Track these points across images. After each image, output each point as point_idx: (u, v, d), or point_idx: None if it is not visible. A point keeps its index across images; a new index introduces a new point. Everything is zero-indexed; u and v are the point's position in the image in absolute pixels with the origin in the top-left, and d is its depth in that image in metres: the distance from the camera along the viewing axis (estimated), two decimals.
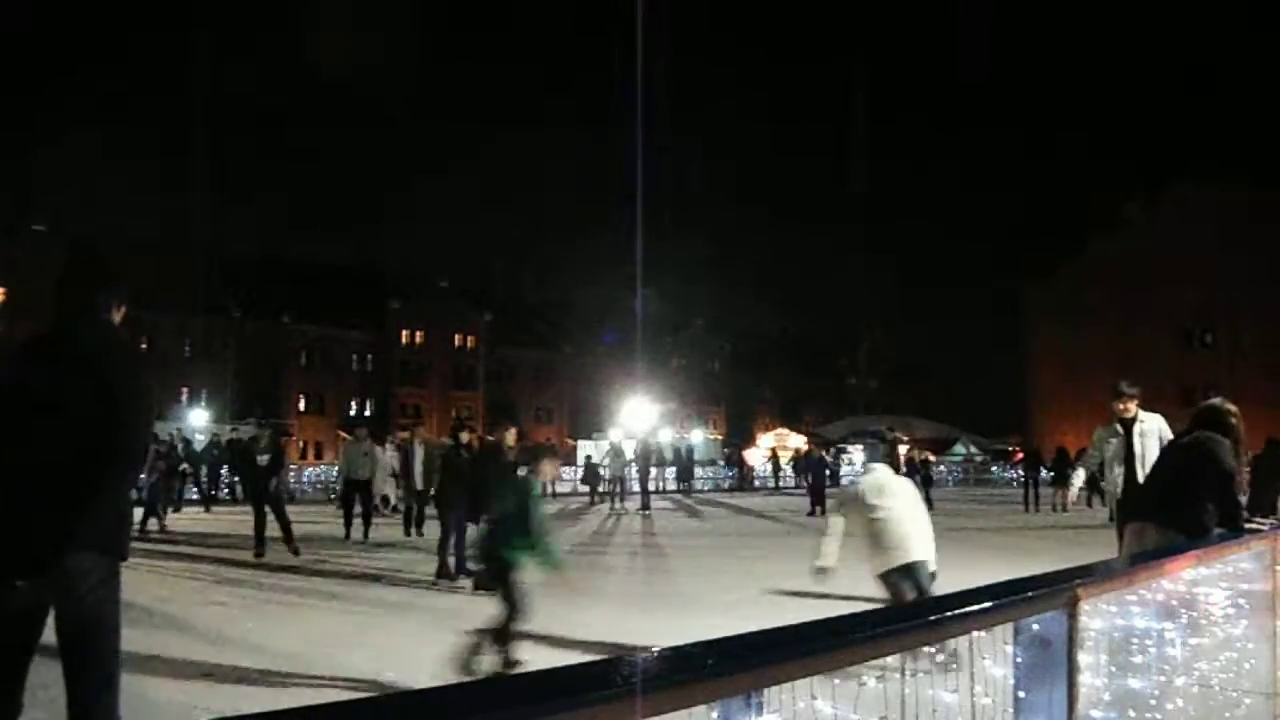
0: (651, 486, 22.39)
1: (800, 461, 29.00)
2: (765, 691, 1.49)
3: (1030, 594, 2.07)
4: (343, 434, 55.65)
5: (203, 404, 52.93)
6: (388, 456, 17.05)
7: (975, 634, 1.98)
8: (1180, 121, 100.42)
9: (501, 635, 5.53)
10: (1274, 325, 45.38)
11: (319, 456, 55.14)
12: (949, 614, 1.79)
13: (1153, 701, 2.79)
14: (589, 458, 30.08)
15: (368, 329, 63.40)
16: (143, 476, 16.78)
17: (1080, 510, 19.23)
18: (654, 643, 1.38)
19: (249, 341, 57.85)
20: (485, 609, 8.00)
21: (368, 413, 60.92)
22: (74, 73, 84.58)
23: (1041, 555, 11.14)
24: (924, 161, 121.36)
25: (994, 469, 39.66)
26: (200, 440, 27.31)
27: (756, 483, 35.83)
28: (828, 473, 25.85)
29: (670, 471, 30.81)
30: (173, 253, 53.52)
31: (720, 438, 64.13)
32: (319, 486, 26.49)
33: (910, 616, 1.73)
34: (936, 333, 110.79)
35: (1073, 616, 2.12)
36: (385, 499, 17.13)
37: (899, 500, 6.23)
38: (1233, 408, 4.85)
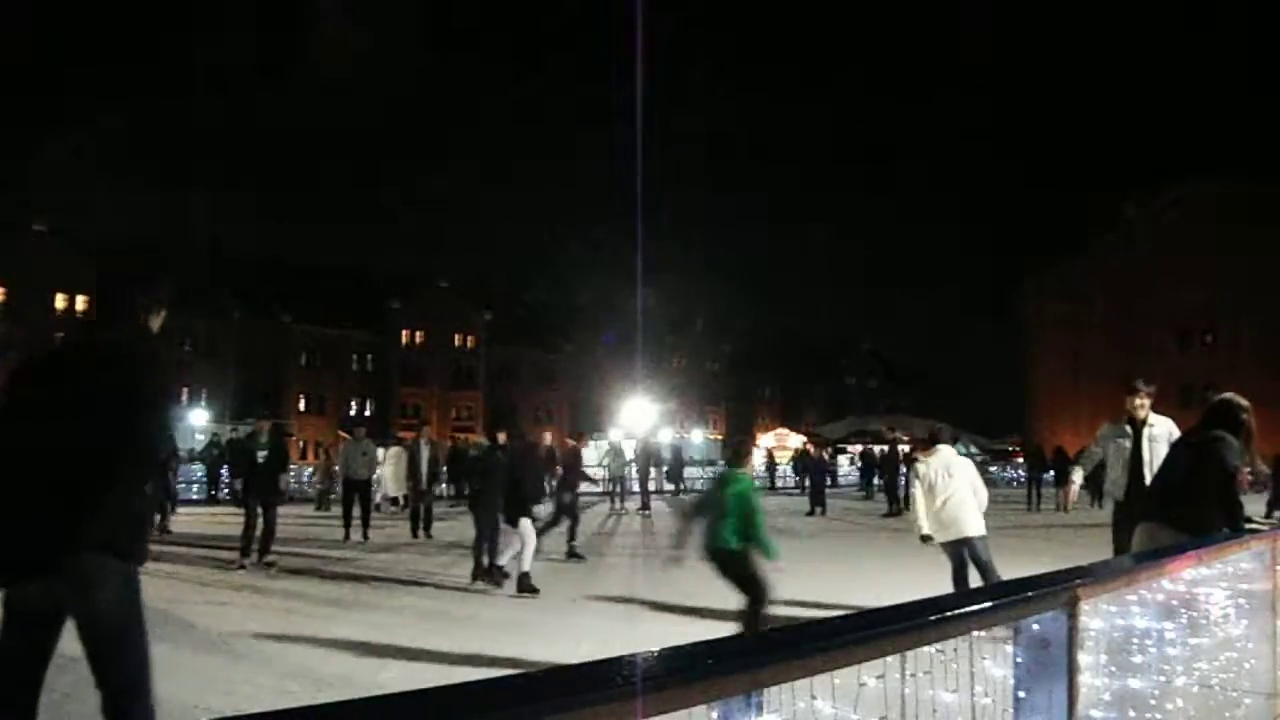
0: (651, 487, 22.38)
1: (801, 462, 28.98)
2: (765, 691, 1.49)
3: (1030, 594, 2.07)
4: (343, 434, 55.70)
5: (203, 404, 52.94)
6: (395, 456, 17.02)
7: (975, 634, 1.98)
8: (1180, 121, 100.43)
9: (753, 620, 5.92)
10: (1274, 325, 45.37)
11: (318, 457, 55.13)
12: (949, 614, 1.79)
13: (1153, 701, 2.79)
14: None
15: (368, 329, 63.40)
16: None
17: (1081, 510, 19.24)
18: (654, 643, 1.38)
19: (249, 341, 57.85)
20: (495, 611, 8.00)
21: (368, 413, 60.95)
22: (74, 72, 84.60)
23: (1041, 555, 11.13)
24: (924, 161, 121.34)
25: (994, 469, 39.63)
26: (200, 440, 27.29)
27: (756, 483, 35.84)
28: (828, 473, 25.87)
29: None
30: (173, 253, 53.52)
31: (720, 438, 64.14)
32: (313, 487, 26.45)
33: (910, 616, 1.73)
34: (936, 333, 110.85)
35: (1073, 616, 2.12)
36: (397, 500, 17.13)
37: (957, 481, 7.33)
38: (1245, 403, 4.82)
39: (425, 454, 14.46)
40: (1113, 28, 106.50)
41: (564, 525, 12.12)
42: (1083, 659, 2.21)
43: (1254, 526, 4.26)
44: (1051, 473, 24.19)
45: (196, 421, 40.26)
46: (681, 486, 30.03)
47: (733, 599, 6.34)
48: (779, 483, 35.45)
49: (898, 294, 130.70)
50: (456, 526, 15.35)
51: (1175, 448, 5.31)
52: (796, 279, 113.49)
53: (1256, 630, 3.63)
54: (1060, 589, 2.13)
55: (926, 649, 1.84)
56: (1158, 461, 6.36)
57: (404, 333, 64.99)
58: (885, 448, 24.97)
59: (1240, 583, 3.57)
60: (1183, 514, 4.42)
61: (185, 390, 55.12)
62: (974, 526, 7.31)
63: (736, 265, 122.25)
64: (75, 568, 2.87)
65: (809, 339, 78.90)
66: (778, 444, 44.18)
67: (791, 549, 13.39)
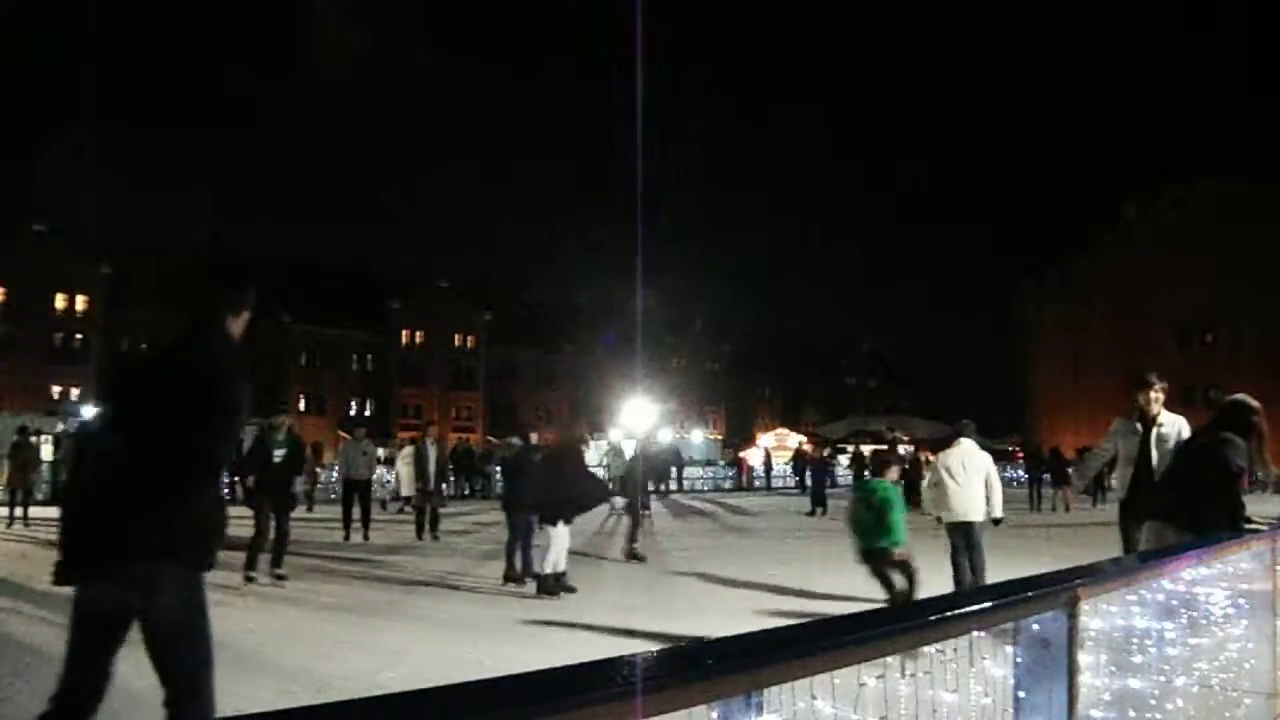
0: (672, 487, 22.35)
1: (803, 462, 28.99)
2: (765, 691, 1.49)
3: (1030, 594, 2.07)
4: (343, 434, 55.67)
5: None
6: (409, 456, 16.92)
7: (975, 634, 1.98)
8: (1180, 121, 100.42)
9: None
10: (1274, 325, 45.37)
11: (318, 457, 55.09)
12: (949, 614, 1.79)
13: (1153, 701, 2.79)
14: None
15: (368, 329, 63.39)
16: None
17: (1081, 509, 19.22)
18: (654, 643, 1.38)
19: (249, 342, 57.80)
20: (495, 611, 8.01)
21: (368, 413, 60.96)
22: (74, 72, 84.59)
23: (1041, 555, 11.14)
24: (924, 161, 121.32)
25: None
26: None
27: (757, 483, 35.87)
28: (829, 473, 25.86)
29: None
30: (172, 252, 53.54)
31: (720, 438, 64.12)
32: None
33: (910, 616, 1.73)
34: (936, 333, 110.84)
35: (1073, 616, 2.12)
36: (409, 499, 17.03)
37: (972, 472, 8.29)
38: (1255, 404, 4.82)
39: (433, 454, 14.34)
40: (1113, 27, 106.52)
41: (626, 524, 12.59)
42: (1083, 659, 2.21)
43: (1254, 526, 4.27)
44: (1049, 473, 24.20)
45: None
46: (668, 487, 29.97)
47: (730, 601, 6.35)
48: (775, 483, 35.47)
49: (898, 294, 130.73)
50: (461, 527, 15.40)
51: (1183, 449, 5.31)
52: (796, 279, 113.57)
53: (1256, 630, 3.63)
54: (1060, 589, 2.13)
55: (926, 649, 1.85)
56: (1164, 460, 6.33)
57: (404, 333, 64.98)
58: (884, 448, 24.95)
59: (1240, 583, 3.57)
60: (1189, 514, 4.42)
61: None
62: (978, 513, 8.43)
63: (736, 265, 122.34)
64: (136, 572, 2.96)
65: (809, 339, 78.87)
66: (778, 444, 44.19)
67: (792, 549, 13.43)
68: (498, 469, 28.86)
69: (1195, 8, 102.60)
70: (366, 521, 13.87)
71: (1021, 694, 2.11)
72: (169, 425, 3.02)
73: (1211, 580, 3.34)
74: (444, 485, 15.67)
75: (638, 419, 28.95)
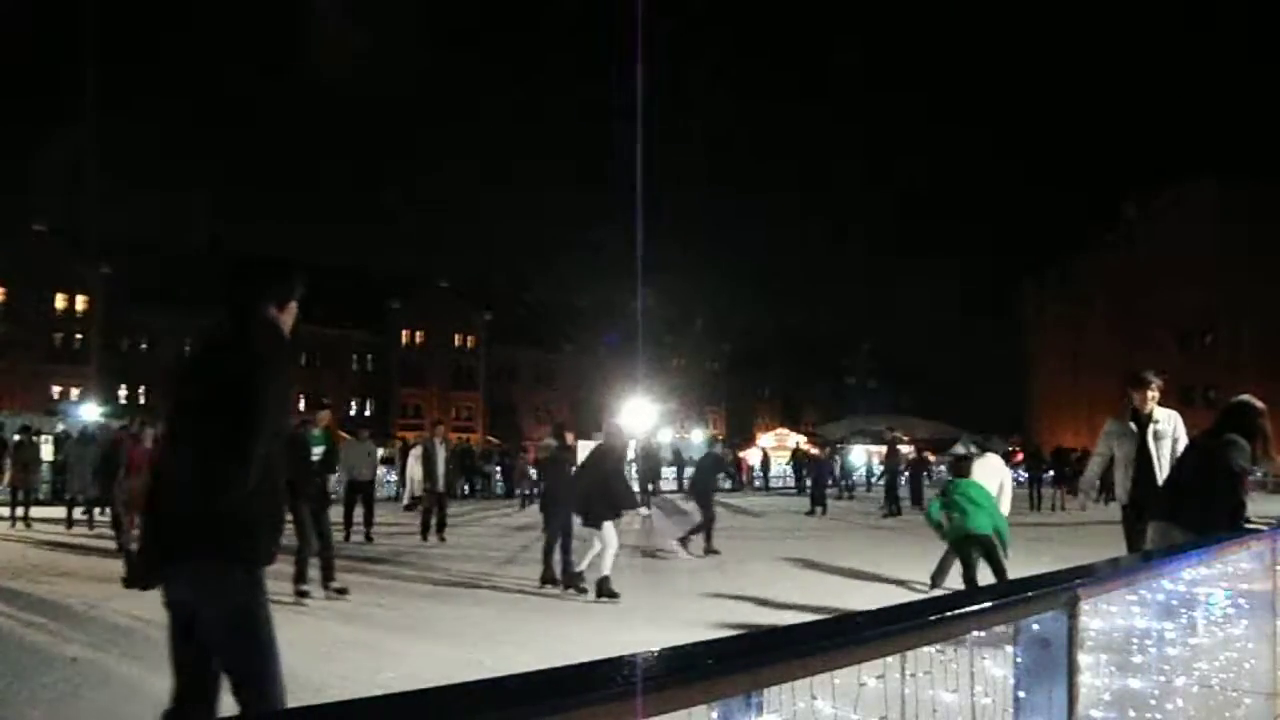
0: (650, 487, 22.38)
1: (805, 461, 29.04)
2: (765, 691, 1.49)
3: (1030, 594, 2.07)
4: (343, 434, 55.57)
5: None
6: (412, 457, 16.85)
7: (975, 634, 1.98)
8: (1180, 121, 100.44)
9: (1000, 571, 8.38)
10: (1274, 325, 45.38)
11: None
12: (949, 614, 1.79)
13: (1153, 701, 2.79)
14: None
15: (368, 329, 63.37)
16: None
17: (1079, 509, 19.22)
18: (654, 643, 1.38)
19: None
20: (495, 611, 8.01)
21: (368, 413, 60.93)
22: (74, 72, 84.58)
23: (1042, 555, 11.14)
24: (924, 161, 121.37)
25: None
26: None
27: (758, 483, 35.89)
28: (829, 473, 25.86)
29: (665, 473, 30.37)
30: (172, 252, 53.53)
31: (720, 438, 64.07)
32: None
33: (910, 616, 1.73)
34: (936, 332, 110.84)
35: (1073, 616, 2.12)
36: (416, 499, 17.03)
37: (989, 483, 9.04)
38: (1260, 405, 4.82)
39: (441, 454, 14.21)
40: (1113, 27, 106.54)
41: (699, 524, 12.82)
42: (1083, 659, 2.21)
43: (1254, 526, 4.28)
44: (1050, 472, 24.22)
45: None
46: (655, 488, 29.84)
47: (730, 601, 6.35)
48: (774, 483, 35.48)
49: (898, 294, 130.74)
50: (465, 527, 15.38)
51: (1189, 449, 5.32)
52: (796, 279, 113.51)
53: (1256, 630, 3.63)
54: (1060, 589, 2.12)
55: (926, 649, 1.84)
56: (1165, 459, 6.26)
57: (404, 333, 64.98)
58: (884, 448, 24.96)
59: (1240, 583, 3.57)
60: (1194, 514, 4.43)
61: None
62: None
63: (736, 265, 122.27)
64: (181, 571, 3.03)
65: (809, 339, 78.85)
66: (777, 444, 44.19)
67: (791, 549, 13.43)
68: (498, 469, 28.93)
69: (1195, 8, 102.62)
70: (370, 522, 13.84)
71: (1021, 694, 2.11)
72: (202, 421, 3.06)
73: (1211, 580, 3.34)
74: (452, 486, 15.56)
75: (638, 419, 28.94)
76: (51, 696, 5.35)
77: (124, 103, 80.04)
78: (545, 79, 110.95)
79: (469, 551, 12.73)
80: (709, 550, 12.59)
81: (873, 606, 1.74)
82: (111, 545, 13.08)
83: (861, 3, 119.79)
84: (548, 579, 9.47)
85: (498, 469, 28.56)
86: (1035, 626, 2.11)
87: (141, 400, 53.97)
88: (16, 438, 16.43)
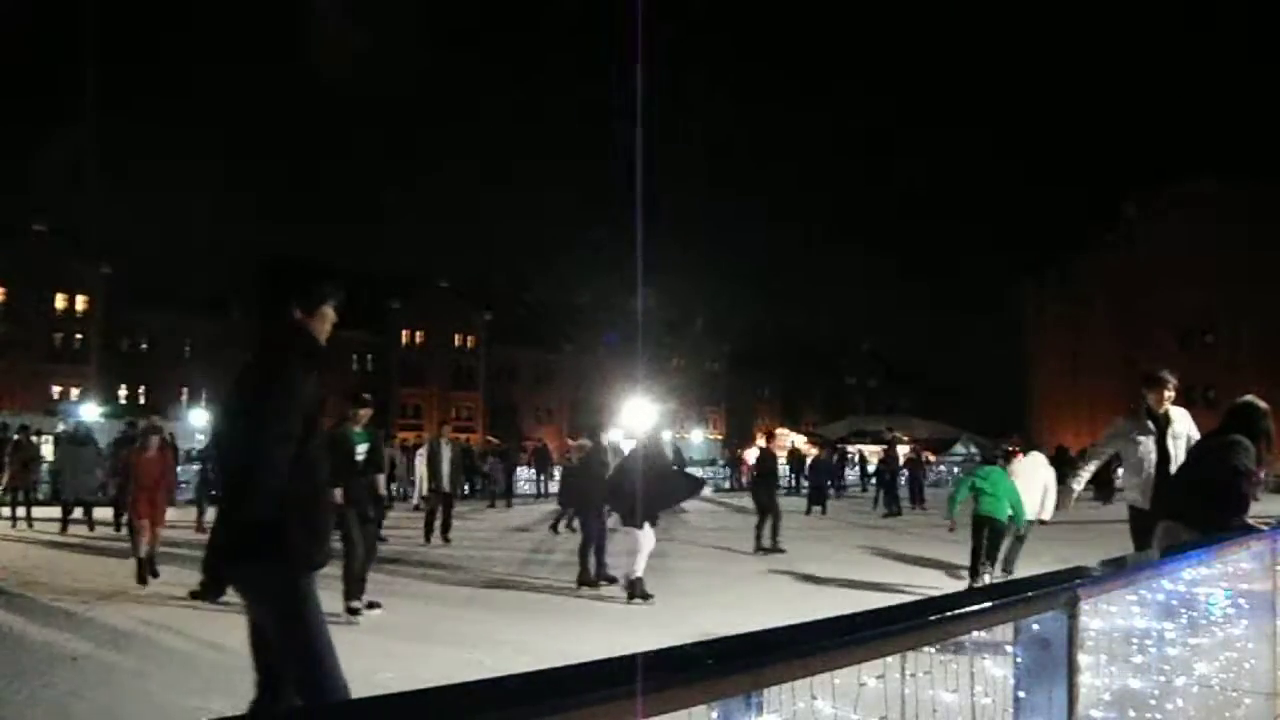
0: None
1: (795, 460, 29.05)
2: (765, 691, 1.49)
3: (1030, 594, 2.07)
4: None
5: (203, 404, 52.85)
6: (419, 457, 16.75)
7: (975, 634, 1.98)
8: (1180, 121, 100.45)
9: (1012, 558, 9.88)
10: (1274, 325, 45.37)
11: None
12: (949, 614, 1.79)
13: (1153, 701, 2.79)
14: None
15: (368, 329, 63.34)
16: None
17: (1090, 507, 19.18)
18: (654, 643, 1.38)
19: (249, 341, 57.76)
20: (494, 611, 8.02)
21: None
22: (74, 72, 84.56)
23: (1042, 555, 11.13)
24: (924, 160, 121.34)
25: None
26: (200, 440, 27.21)
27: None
28: (831, 473, 25.86)
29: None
30: (173, 252, 53.49)
31: (720, 438, 64.10)
32: None
33: (910, 616, 1.73)
34: (936, 332, 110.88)
35: (1073, 616, 2.12)
36: (426, 499, 16.97)
37: (1033, 477, 10.02)
38: (1263, 405, 4.83)
39: (446, 454, 14.06)
40: (1113, 27, 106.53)
41: (766, 522, 12.99)
42: (1083, 659, 2.21)
43: (1253, 525, 4.29)
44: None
45: (196, 422, 40.20)
46: None
47: (731, 601, 6.35)
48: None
49: (898, 294, 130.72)
50: (466, 527, 15.35)
51: (1195, 449, 5.31)
52: (797, 279, 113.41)
53: (1256, 630, 3.63)
54: (1060, 589, 2.12)
55: (926, 649, 1.84)
56: (1183, 459, 5.94)
57: (404, 333, 64.96)
58: (884, 448, 24.97)
59: (1240, 583, 3.57)
60: (1202, 514, 4.44)
61: (185, 390, 55.04)
62: (1031, 512, 9.83)
63: (736, 265, 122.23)
64: (236, 574, 3.14)
65: (809, 339, 78.85)
66: (777, 444, 44.16)
67: (792, 549, 13.41)
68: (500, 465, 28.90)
69: (1195, 8, 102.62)
70: (379, 524, 13.73)
71: (1021, 694, 2.11)
72: (231, 428, 3.20)
73: (1211, 580, 3.34)
74: (459, 487, 15.44)
75: (638, 419, 28.95)
76: (51, 696, 5.35)
77: (124, 103, 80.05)
78: (545, 79, 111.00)
79: (471, 552, 12.72)
80: (775, 548, 12.80)
81: (872, 607, 1.74)
82: (110, 545, 13.07)
83: (862, 3, 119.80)
84: (585, 581, 9.44)
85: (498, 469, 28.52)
86: (1035, 626, 2.11)
87: (141, 400, 53.98)
88: (15, 437, 16.43)
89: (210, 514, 15.86)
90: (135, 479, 9.85)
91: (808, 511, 20.56)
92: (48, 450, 20.95)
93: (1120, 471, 11.09)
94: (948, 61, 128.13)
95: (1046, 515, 9.87)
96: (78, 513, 15.10)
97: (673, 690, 1.25)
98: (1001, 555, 9.81)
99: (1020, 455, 10.86)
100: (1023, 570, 9.84)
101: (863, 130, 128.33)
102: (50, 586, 9.20)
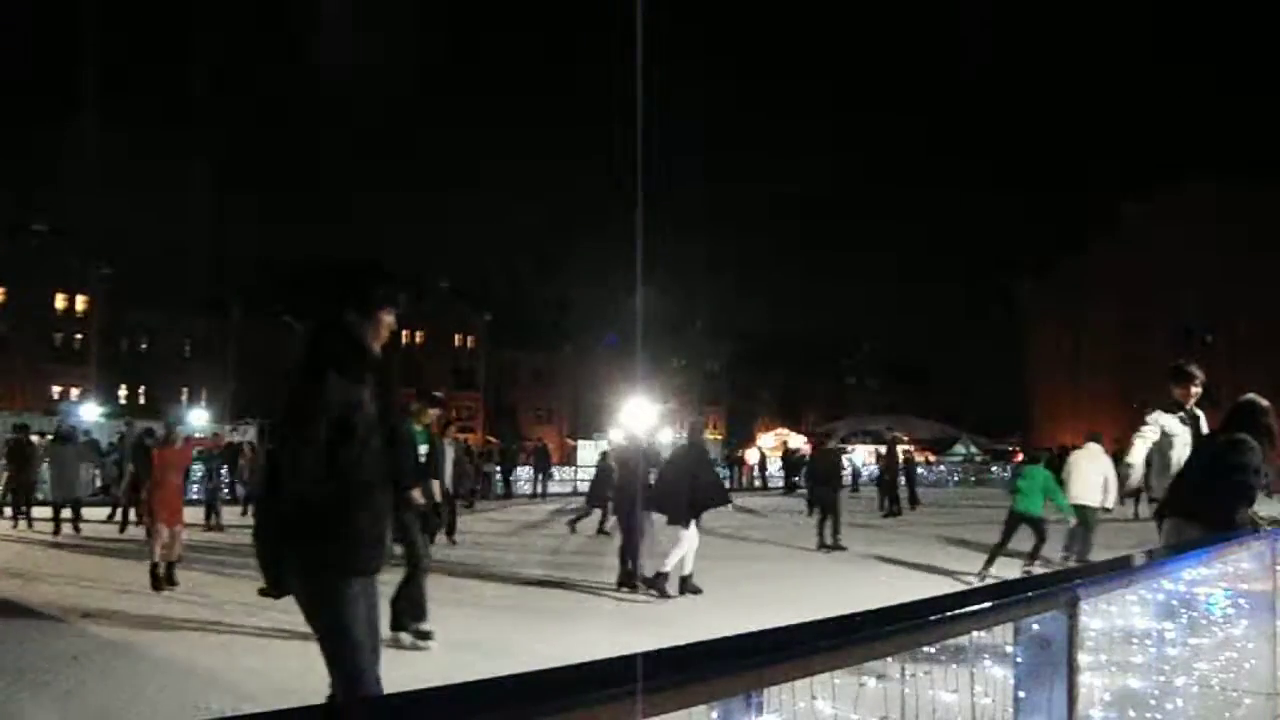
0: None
1: (790, 460, 29.03)
2: (765, 691, 1.49)
3: (1030, 594, 2.07)
4: None
5: (203, 404, 52.90)
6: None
7: (975, 634, 1.98)
8: (1180, 121, 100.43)
9: (1035, 553, 10.30)
10: (1274, 325, 45.38)
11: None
12: (949, 614, 1.79)
13: (1153, 701, 2.79)
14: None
15: None
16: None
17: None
18: (654, 643, 1.38)
19: (249, 341, 57.81)
20: (494, 611, 8.00)
21: None
22: (74, 72, 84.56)
23: (1041, 555, 11.12)
24: (925, 160, 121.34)
25: (994, 469, 39.67)
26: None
27: (757, 483, 35.88)
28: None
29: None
30: (173, 252, 53.48)
31: (720, 438, 64.10)
32: None
33: (910, 616, 1.73)
34: (937, 332, 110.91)
35: (1073, 616, 2.12)
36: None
37: (1091, 468, 10.73)
38: (1265, 404, 4.85)
39: (450, 454, 13.99)
40: (1113, 27, 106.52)
41: (828, 520, 13.42)
42: (1083, 659, 2.21)
43: (1258, 524, 4.31)
44: (1055, 472, 24.15)
45: (196, 422, 40.20)
46: None
47: (731, 601, 6.34)
48: (772, 483, 35.46)
49: (898, 293, 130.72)
50: (467, 527, 15.36)
51: (1202, 447, 5.28)
52: (797, 279, 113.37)
53: (1256, 630, 3.63)
54: (1060, 589, 2.13)
55: (926, 649, 1.85)
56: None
57: (404, 333, 64.99)
58: (884, 448, 24.97)
59: (1240, 583, 3.57)
60: (1210, 512, 4.45)
61: (185, 390, 55.03)
62: (1093, 499, 10.49)
63: (736, 265, 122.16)
64: (286, 575, 3.17)
65: (809, 339, 78.86)
66: (777, 444, 44.20)
67: (791, 548, 13.43)
68: (497, 468, 28.90)
69: (1196, 8, 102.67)
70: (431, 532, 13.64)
71: (1021, 694, 2.11)
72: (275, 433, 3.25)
73: (1211, 580, 3.35)
74: (464, 486, 15.35)
75: (638, 419, 28.92)
76: (51, 696, 5.35)
77: (124, 103, 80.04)
78: (545, 79, 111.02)
79: (472, 553, 12.72)
80: (835, 546, 13.12)
81: (871, 607, 1.74)
82: (109, 545, 13.08)
83: (862, 4, 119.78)
84: (625, 582, 9.40)
85: (497, 468, 28.54)
86: (1035, 626, 2.11)
87: (141, 400, 53.98)
88: (15, 437, 16.41)
89: (222, 514, 15.96)
90: (157, 474, 9.45)
91: (809, 513, 20.55)
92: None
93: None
94: (948, 61, 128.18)
95: (1110, 503, 10.44)
96: (65, 512, 14.89)
97: (673, 690, 1.25)
98: (1077, 546, 10.50)
99: (1081, 446, 11.72)
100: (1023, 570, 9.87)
101: (863, 130, 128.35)
102: (50, 586, 9.20)
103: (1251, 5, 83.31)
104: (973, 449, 45.57)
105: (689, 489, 9.01)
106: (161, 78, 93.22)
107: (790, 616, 1.65)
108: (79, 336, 54.07)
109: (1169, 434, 6.00)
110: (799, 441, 40.59)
